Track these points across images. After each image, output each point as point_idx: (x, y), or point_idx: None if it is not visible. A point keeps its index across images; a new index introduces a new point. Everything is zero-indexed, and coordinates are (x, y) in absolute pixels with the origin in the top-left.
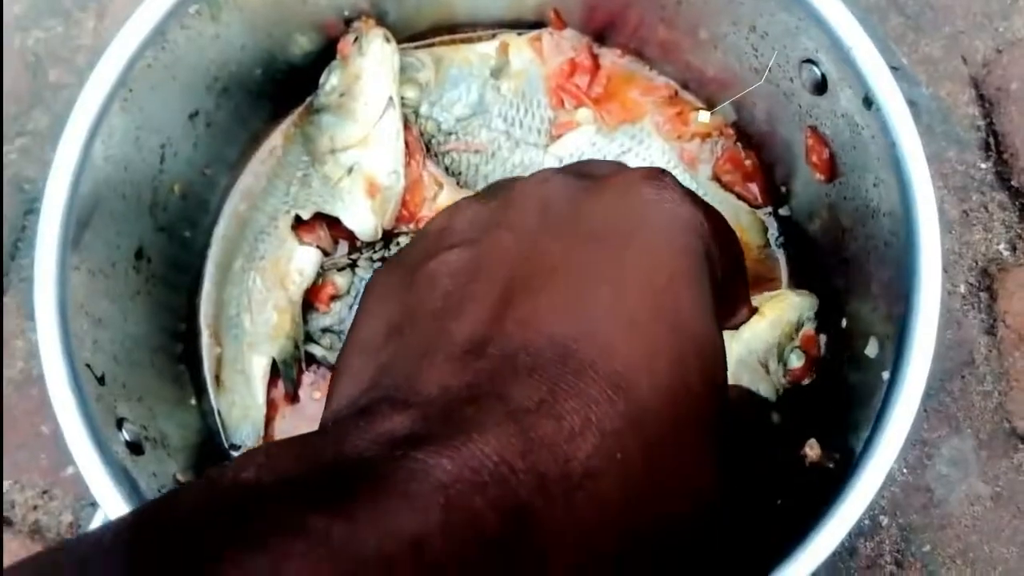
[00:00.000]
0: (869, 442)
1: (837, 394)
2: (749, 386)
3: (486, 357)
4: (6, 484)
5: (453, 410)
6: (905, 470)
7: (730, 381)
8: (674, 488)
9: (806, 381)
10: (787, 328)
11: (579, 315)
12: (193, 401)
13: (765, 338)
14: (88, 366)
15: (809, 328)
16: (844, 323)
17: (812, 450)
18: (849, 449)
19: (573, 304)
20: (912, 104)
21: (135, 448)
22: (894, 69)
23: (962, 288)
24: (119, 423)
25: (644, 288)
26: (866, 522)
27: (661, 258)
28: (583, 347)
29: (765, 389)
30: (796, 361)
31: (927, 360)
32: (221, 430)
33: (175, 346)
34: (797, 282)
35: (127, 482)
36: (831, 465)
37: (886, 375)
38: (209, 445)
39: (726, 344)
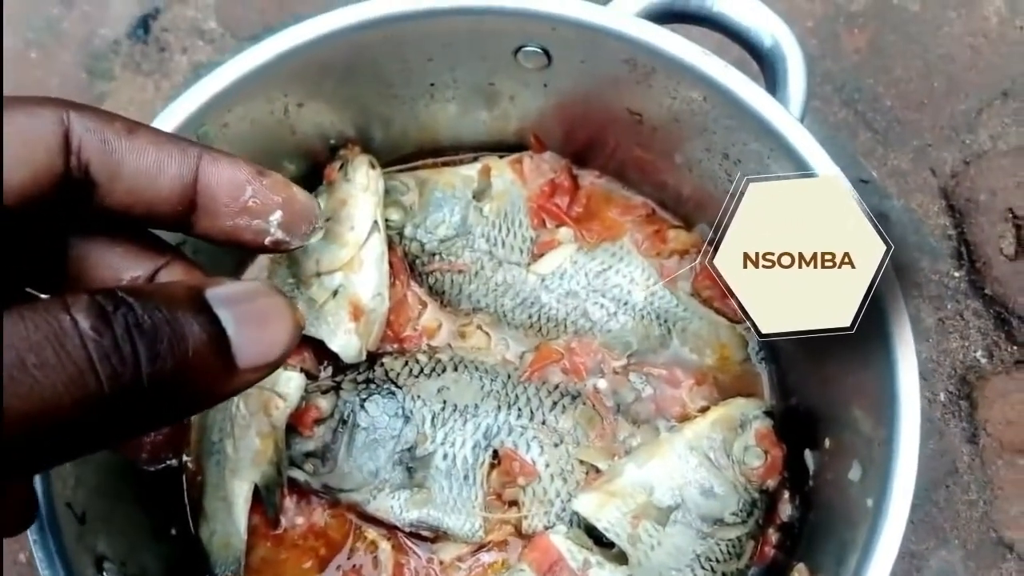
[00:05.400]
0: (858, 570)
1: (823, 517)
2: (702, 483)
3: None
4: None
5: None
6: None
7: (676, 478)
8: None
9: (771, 482)
10: (730, 423)
11: None
12: (173, 531)
13: (707, 434)
14: (69, 505)
15: (761, 426)
16: (827, 443)
17: (800, 575)
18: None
19: None
20: (883, 216)
21: None
22: (864, 183)
23: (942, 396)
24: (99, 563)
25: None
26: None
27: None
28: None
29: (719, 485)
30: (755, 460)
31: (908, 495)
32: (203, 558)
33: (156, 475)
34: (780, 398)
35: None
36: None
37: (870, 502)
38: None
39: (668, 441)
